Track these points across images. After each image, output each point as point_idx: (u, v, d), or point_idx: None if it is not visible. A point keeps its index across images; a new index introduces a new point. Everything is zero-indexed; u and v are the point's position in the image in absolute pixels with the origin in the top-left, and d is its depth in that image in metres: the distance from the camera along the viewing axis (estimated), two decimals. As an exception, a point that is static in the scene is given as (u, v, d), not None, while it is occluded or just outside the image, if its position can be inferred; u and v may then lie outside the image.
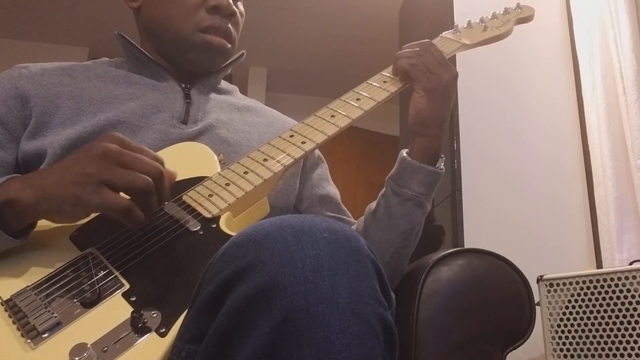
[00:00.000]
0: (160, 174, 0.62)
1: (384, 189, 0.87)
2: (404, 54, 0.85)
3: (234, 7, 0.93)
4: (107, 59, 0.99)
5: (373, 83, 0.86)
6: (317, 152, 1.02)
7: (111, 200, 0.59)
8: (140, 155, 0.62)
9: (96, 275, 0.60)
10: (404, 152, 0.86)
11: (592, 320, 1.23)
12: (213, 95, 0.97)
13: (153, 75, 0.93)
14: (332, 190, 1.01)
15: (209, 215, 0.67)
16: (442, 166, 0.86)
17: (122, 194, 0.60)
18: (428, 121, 0.83)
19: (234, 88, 1.05)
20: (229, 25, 0.93)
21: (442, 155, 0.87)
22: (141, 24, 0.97)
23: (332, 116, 0.81)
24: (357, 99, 0.83)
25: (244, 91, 1.10)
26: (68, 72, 0.91)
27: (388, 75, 0.87)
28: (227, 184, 0.72)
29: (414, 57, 0.83)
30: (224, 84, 1.02)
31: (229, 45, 0.93)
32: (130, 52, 0.94)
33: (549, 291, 1.33)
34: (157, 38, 0.94)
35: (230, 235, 0.56)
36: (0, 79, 0.88)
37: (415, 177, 0.83)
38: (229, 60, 0.98)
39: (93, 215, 0.66)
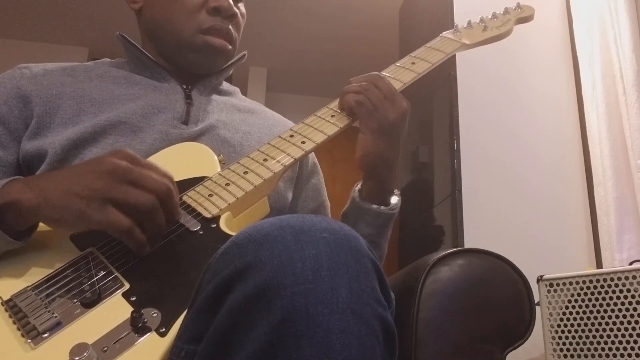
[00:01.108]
0: (169, 192, 0.61)
1: None
2: (350, 89, 0.80)
3: (234, 8, 0.93)
4: (109, 59, 0.99)
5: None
6: (313, 159, 1.02)
7: (113, 219, 0.58)
8: (149, 172, 0.61)
9: (96, 275, 0.60)
10: (356, 189, 0.83)
11: (592, 320, 1.23)
12: (214, 97, 0.97)
13: (154, 76, 0.93)
14: (324, 201, 1.00)
15: (208, 215, 0.67)
16: (394, 205, 0.81)
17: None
18: (375, 163, 0.79)
19: (236, 89, 1.05)
20: (230, 26, 0.93)
21: (396, 192, 0.83)
22: (142, 25, 0.97)
23: (332, 116, 0.81)
24: None
25: (244, 91, 1.10)
26: (69, 73, 0.91)
27: (334, 109, 0.83)
28: (227, 184, 0.72)
29: (361, 94, 0.78)
30: (225, 85, 1.02)
31: (230, 47, 0.93)
32: (131, 53, 0.94)
33: (549, 291, 1.33)
34: (158, 39, 0.94)
35: (230, 235, 0.56)
36: (1, 79, 0.88)
37: (363, 218, 0.81)
38: (230, 62, 0.98)
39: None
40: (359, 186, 0.83)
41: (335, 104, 0.83)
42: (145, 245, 0.60)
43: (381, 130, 0.77)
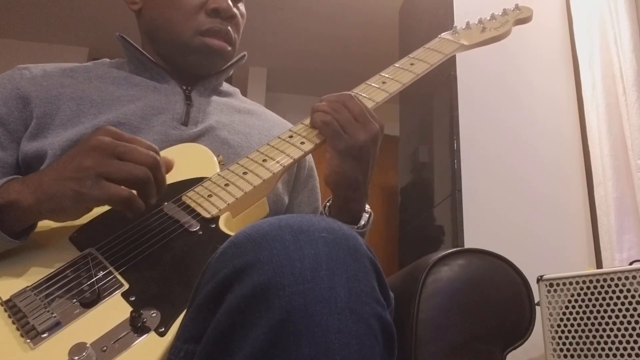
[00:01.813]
0: (157, 163, 0.62)
1: None
2: (319, 107, 0.77)
3: (233, 9, 0.93)
4: (108, 59, 0.99)
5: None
6: (311, 163, 1.02)
7: (112, 191, 0.59)
8: (134, 145, 0.62)
9: (95, 275, 0.60)
10: (327, 204, 0.81)
11: (592, 320, 1.23)
12: (214, 98, 0.97)
13: (154, 77, 0.93)
14: (318, 207, 1.00)
15: (208, 216, 0.67)
16: (363, 224, 0.78)
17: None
18: (341, 184, 0.75)
19: (236, 90, 1.05)
20: (229, 27, 0.92)
21: (367, 211, 0.80)
22: (142, 26, 0.97)
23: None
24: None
25: (244, 91, 1.10)
26: (69, 74, 0.91)
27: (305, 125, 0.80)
28: (227, 185, 0.72)
29: (329, 114, 0.75)
30: (225, 86, 1.02)
31: (229, 48, 0.93)
32: (131, 54, 0.94)
33: (549, 291, 1.33)
34: (157, 40, 0.94)
35: (230, 236, 0.56)
36: (1, 79, 0.88)
37: None
38: (230, 62, 0.98)
39: (92, 215, 0.66)
40: (329, 202, 0.81)
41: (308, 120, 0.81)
42: (143, 213, 0.61)
43: (348, 152, 0.73)
